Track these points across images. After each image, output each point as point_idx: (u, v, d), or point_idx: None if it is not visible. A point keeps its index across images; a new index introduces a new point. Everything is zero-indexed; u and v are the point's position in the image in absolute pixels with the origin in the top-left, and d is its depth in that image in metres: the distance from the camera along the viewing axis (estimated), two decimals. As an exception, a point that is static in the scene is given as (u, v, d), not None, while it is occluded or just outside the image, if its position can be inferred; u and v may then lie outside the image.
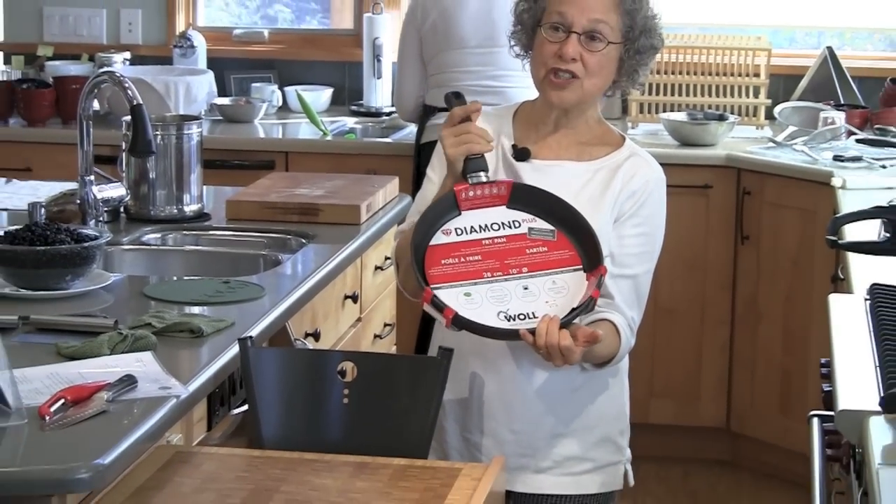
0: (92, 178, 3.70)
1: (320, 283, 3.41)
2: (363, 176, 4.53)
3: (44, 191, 4.01)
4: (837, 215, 3.21)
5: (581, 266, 2.68)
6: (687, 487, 5.18)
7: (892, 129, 5.32)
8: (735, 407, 5.27)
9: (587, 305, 2.63)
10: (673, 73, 5.57)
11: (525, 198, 2.74)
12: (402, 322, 4.55)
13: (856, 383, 2.62)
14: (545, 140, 2.88)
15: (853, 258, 3.40)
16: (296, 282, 3.32)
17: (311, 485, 2.45)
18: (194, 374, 2.66)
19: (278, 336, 3.15)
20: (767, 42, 5.62)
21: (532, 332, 2.60)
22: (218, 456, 2.59)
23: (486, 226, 2.71)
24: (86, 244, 3.16)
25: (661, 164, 2.92)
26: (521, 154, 2.86)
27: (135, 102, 3.60)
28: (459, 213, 2.72)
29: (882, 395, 2.48)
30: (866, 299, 3.09)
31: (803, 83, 5.65)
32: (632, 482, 2.99)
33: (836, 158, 4.95)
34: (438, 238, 2.69)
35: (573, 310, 2.62)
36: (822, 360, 3.05)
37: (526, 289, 2.66)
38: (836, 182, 4.53)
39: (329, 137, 5.53)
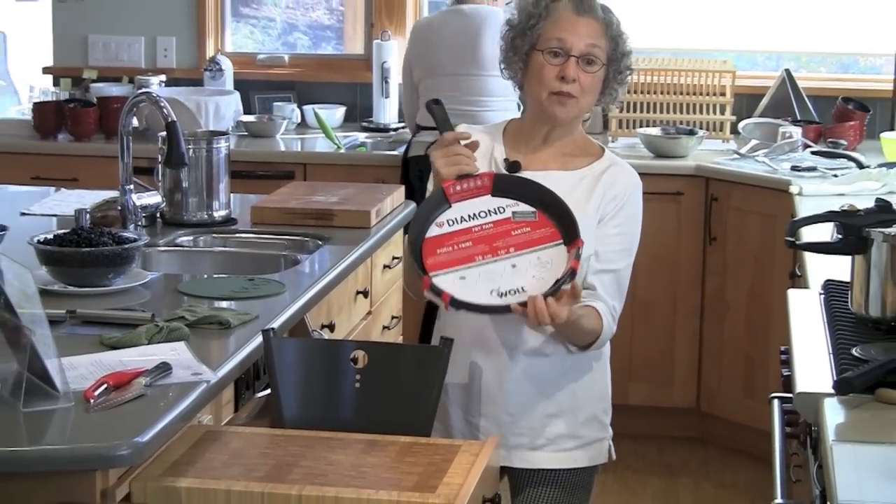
0: (131, 187, 3.69)
1: (335, 280, 3.40)
2: (373, 185, 4.52)
3: (89, 199, 3.99)
4: (795, 219, 3.20)
5: (562, 240, 2.67)
6: (662, 462, 5.17)
7: (843, 142, 5.31)
8: (704, 389, 5.26)
9: (568, 276, 2.62)
10: (648, 92, 5.56)
11: (506, 186, 2.73)
12: (408, 315, 4.55)
13: (812, 368, 2.61)
14: (535, 153, 2.87)
15: (809, 257, 3.40)
16: (313, 279, 3.32)
17: (326, 460, 2.45)
18: (223, 362, 2.66)
19: (297, 327, 3.14)
20: (732, 65, 5.61)
21: (523, 304, 2.59)
22: (244, 434, 2.58)
23: (474, 214, 2.70)
24: (126, 246, 3.15)
25: (639, 174, 2.92)
26: (513, 167, 2.85)
27: (169, 119, 3.60)
28: (450, 206, 2.70)
29: (835, 378, 2.48)
30: (821, 294, 3.09)
31: (764, 101, 5.64)
32: (614, 457, 2.99)
33: (794, 168, 4.94)
34: (433, 230, 2.68)
35: (557, 281, 2.61)
36: (782, 348, 3.04)
37: (514, 266, 2.65)
38: (793, 189, 4.53)
39: (342, 150, 5.52)
